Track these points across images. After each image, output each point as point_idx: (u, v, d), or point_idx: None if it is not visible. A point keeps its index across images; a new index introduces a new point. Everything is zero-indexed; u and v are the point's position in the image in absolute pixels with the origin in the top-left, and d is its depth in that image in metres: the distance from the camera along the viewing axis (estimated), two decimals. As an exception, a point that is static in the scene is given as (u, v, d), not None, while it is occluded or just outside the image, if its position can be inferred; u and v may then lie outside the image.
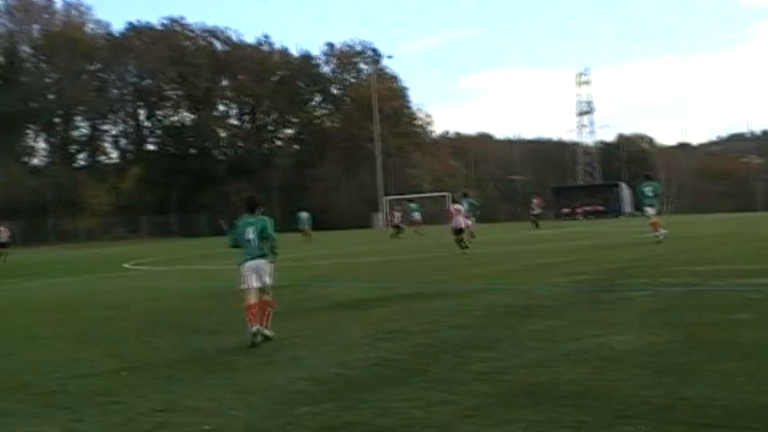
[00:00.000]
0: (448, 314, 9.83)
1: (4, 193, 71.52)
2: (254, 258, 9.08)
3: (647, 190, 26.29)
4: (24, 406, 6.40)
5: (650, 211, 25.51)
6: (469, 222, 26.27)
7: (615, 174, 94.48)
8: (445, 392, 5.69)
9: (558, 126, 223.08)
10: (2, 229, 39.79)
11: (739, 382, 5.46)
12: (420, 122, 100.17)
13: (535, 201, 46.84)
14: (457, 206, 24.83)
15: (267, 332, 8.77)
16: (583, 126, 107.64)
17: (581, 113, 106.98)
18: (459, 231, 23.56)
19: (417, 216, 44.61)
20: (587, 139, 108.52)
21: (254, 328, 8.57)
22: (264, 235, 9.13)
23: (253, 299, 8.86)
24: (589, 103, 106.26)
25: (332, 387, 6.14)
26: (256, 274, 8.99)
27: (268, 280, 9.04)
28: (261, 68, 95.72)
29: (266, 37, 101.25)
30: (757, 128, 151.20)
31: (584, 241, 27.50)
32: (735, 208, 77.73)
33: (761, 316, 8.35)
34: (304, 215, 44.09)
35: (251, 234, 9.11)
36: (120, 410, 5.95)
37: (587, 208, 68.11)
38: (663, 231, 24.16)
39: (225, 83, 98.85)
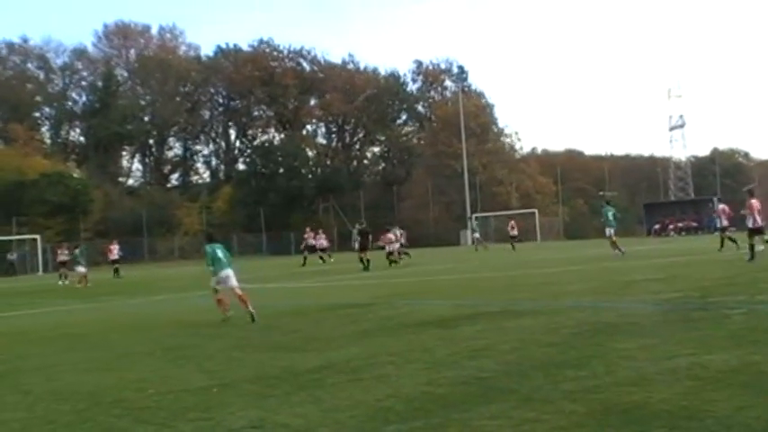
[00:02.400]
0: (536, 332, 9.71)
1: (100, 213, 73.80)
2: (225, 269, 14.07)
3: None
4: (122, 421, 6.56)
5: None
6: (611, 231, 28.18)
7: (709, 189, 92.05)
8: (534, 411, 5.62)
9: (650, 141, 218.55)
10: (113, 247, 40.95)
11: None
12: (507, 139, 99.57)
13: (511, 223, 46.27)
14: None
15: (252, 310, 13.48)
16: (675, 141, 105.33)
17: (673, 128, 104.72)
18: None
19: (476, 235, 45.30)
20: (679, 154, 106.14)
21: (230, 314, 13.78)
22: (228, 254, 14.36)
23: (224, 295, 14.05)
24: (681, 117, 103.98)
25: (419, 405, 6.12)
26: (229, 279, 13.99)
27: (236, 282, 14.02)
28: (348, 87, 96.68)
29: (351, 56, 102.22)
30: None
31: (676, 258, 26.83)
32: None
33: None
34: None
35: (220, 254, 14.18)
36: (212, 426, 6.05)
37: (680, 224, 66.55)
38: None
39: (312, 102, 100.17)
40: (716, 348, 7.64)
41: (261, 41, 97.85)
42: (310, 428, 5.73)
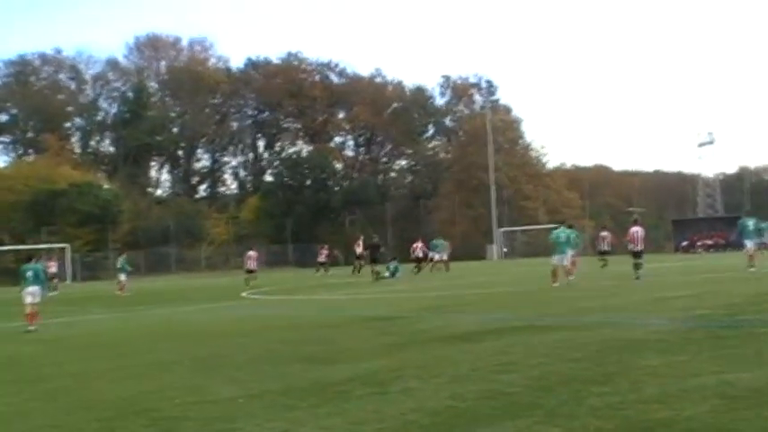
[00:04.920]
0: (562, 347, 9.68)
1: (129, 224, 74.42)
2: (30, 286, 17.41)
3: (750, 224, 27.73)
4: (148, 431, 6.63)
5: (749, 245, 27.21)
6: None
7: (737, 206, 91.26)
8: (559, 427, 5.62)
9: (679, 157, 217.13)
10: (252, 254, 40.13)
11: None
12: (535, 153, 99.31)
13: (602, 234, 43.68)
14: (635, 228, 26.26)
15: (32, 328, 16.96)
16: (703, 157, 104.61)
17: (701, 144, 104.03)
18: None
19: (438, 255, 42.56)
20: (708, 171, 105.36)
21: (33, 327, 16.95)
22: (37, 274, 17.84)
23: (30, 309, 17.28)
24: (710, 133, 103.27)
25: (444, 419, 6.14)
26: (32, 296, 17.37)
27: (38, 299, 17.53)
28: (375, 100, 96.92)
29: (378, 70, 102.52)
30: None
31: (704, 275, 26.59)
32: None
33: None
34: (437, 242, 43.42)
35: (29, 274, 17.54)
36: (238, 436, 6.09)
37: (708, 241, 65.97)
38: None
39: (341, 115, 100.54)
40: (744, 366, 7.59)
41: (290, 54, 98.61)
42: (336, 440, 5.76)
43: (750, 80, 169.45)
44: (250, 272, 38.02)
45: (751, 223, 27.93)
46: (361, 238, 44.61)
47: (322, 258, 50.24)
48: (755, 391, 6.39)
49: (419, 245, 41.17)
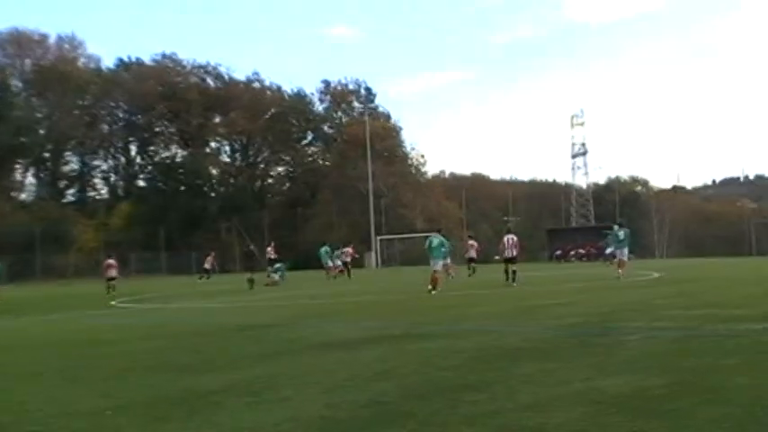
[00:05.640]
0: (437, 355, 9.80)
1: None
2: None
3: (621, 234, 30.09)
4: (5, 445, 6.35)
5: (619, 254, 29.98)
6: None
7: (609, 216, 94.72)
8: (433, 435, 5.67)
9: (554, 167, 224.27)
10: (111, 262, 39.71)
11: (729, 428, 5.45)
12: (413, 162, 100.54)
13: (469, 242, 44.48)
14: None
15: None
16: (577, 168, 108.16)
17: (575, 155, 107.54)
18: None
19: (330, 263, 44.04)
20: (581, 181, 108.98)
21: None
22: None
23: None
24: (583, 144, 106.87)
25: (319, 429, 6.10)
26: None
27: None
28: (253, 105, 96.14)
29: (256, 74, 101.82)
30: (751, 173, 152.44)
31: (576, 284, 27.55)
32: (728, 252, 77.93)
33: (751, 362, 8.35)
34: (323, 250, 45.04)
35: None
36: (103, 450, 5.90)
37: (581, 250, 68.15)
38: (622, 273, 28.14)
39: (217, 119, 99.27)
40: (612, 373, 7.86)
41: (164, 55, 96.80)
42: (207, 453, 5.65)
43: (623, 90, 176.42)
44: (110, 279, 37.99)
45: (622, 233, 29.79)
46: (272, 243, 44.64)
47: (207, 265, 50.00)
48: (623, 397, 6.61)
49: (473, 243, 41.16)
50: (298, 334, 13.65)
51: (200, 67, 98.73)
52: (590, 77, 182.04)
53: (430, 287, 23.74)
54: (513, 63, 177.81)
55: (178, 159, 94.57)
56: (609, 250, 55.13)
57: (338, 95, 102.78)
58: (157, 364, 10.66)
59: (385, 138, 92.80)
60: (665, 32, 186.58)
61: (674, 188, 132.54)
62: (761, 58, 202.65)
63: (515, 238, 27.83)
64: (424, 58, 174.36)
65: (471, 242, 40.57)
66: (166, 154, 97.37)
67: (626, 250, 29.75)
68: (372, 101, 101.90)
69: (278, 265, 39.53)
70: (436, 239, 25.29)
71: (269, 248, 43.67)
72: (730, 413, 5.86)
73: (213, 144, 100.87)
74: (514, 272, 26.89)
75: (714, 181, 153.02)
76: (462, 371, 8.52)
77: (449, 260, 25.69)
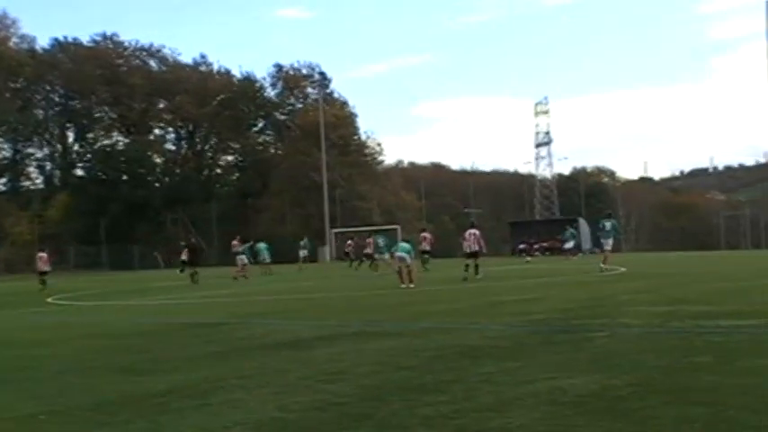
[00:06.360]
0: (395, 354, 9.84)
1: None
2: None
3: (608, 225, 30.61)
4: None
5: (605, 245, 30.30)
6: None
7: (574, 208, 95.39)
8: (390, 438, 5.71)
9: (516, 158, 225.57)
10: (42, 255, 39.31)
11: (696, 428, 5.56)
12: (370, 151, 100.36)
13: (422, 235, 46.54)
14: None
15: None
16: (541, 158, 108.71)
17: (539, 145, 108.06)
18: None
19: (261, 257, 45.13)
20: (545, 172, 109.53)
21: None
22: None
23: None
24: (547, 134, 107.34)
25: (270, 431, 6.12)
26: None
27: None
28: (200, 90, 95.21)
29: (203, 57, 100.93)
30: (720, 163, 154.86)
31: (540, 279, 27.80)
32: (697, 245, 78.98)
33: (720, 359, 8.49)
34: (262, 245, 45.39)
35: None
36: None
37: (545, 244, 68.52)
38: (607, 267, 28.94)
39: (161, 105, 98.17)
40: (576, 372, 7.96)
41: (104, 36, 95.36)
42: (151, 458, 5.63)
43: (588, 80, 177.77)
44: (42, 273, 37.84)
45: (609, 224, 30.68)
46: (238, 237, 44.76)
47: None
48: (588, 397, 6.70)
49: (426, 236, 41.41)
50: (248, 332, 13.61)
51: (143, 49, 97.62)
52: (555, 64, 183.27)
53: (405, 283, 24.38)
54: (475, 48, 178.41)
55: (119, 147, 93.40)
56: (568, 245, 55.98)
57: (291, 80, 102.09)
58: (97, 365, 10.57)
59: (340, 126, 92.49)
60: (632, 18, 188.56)
61: (642, 179, 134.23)
62: (731, 50, 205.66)
63: (478, 233, 28.39)
64: (382, 42, 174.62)
65: (424, 234, 40.97)
66: (107, 141, 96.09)
67: (610, 241, 30.54)
68: (327, 86, 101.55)
69: (244, 247, 41.91)
70: (382, 239, 27.30)
71: (234, 242, 43.87)
72: (699, 413, 5.96)
73: (157, 131, 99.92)
74: (477, 266, 27.49)
75: (682, 172, 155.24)
76: (421, 371, 8.57)
77: (403, 255, 25.85)
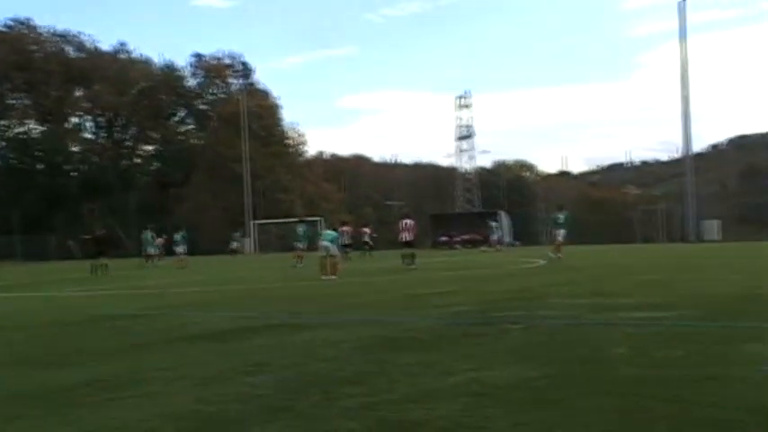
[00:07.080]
0: (317, 346, 9.84)
1: None
2: None
3: (561, 217, 33.21)
4: None
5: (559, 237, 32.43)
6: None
7: (495, 201, 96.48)
8: (309, 430, 5.70)
9: (438, 150, 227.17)
10: None
11: (613, 418, 5.67)
12: (292, 142, 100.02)
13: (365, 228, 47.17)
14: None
15: None
16: (462, 151, 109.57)
17: (461, 138, 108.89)
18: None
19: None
20: (467, 165, 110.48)
21: None
22: None
23: None
24: (469, 127, 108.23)
25: (188, 425, 6.04)
26: None
27: None
28: (119, 78, 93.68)
29: (123, 44, 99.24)
30: (636, 158, 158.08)
31: (461, 271, 28.05)
32: (614, 239, 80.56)
33: (637, 351, 8.68)
34: (178, 236, 45.89)
35: None
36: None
37: (466, 237, 69.14)
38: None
39: (78, 93, 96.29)
40: (495, 364, 8.06)
41: (17, 21, 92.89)
42: (66, 453, 5.53)
43: (510, 74, 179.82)
44: None
45: (562, 216, 33.11)
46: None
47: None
48: (505, 389, 6.79)
49: (346, 228, 41.45)
50: (168, 324, 13.45)
51: (60, 35, 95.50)
52: (478, 59, 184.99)
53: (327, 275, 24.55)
54: (398, 42, 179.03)
55: (34, 135, 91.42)
56: (494, 237, 56.79)
57: (212, 70, 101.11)
58: (7, 357, 10.33)
59: (263, 116, 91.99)
60: (554, 10, 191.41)
61: (561, 173, 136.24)
62: (649, 48, 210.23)
63: (412, 222, 29.08)
64: (305, 33, 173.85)
65: (345, 228, 41.06)
66: (21, 129, 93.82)
67: (563, 232, 32.03)
68: (249, 77, 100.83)
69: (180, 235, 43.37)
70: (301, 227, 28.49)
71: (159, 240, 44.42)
72: (615, 403, 6.09)
73: (74, 119, 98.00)
74: (412, 255, 28.04)
75: (600, 166, 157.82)
76: (341, 362, 8.59)
77: (326, 244, 25.94)
